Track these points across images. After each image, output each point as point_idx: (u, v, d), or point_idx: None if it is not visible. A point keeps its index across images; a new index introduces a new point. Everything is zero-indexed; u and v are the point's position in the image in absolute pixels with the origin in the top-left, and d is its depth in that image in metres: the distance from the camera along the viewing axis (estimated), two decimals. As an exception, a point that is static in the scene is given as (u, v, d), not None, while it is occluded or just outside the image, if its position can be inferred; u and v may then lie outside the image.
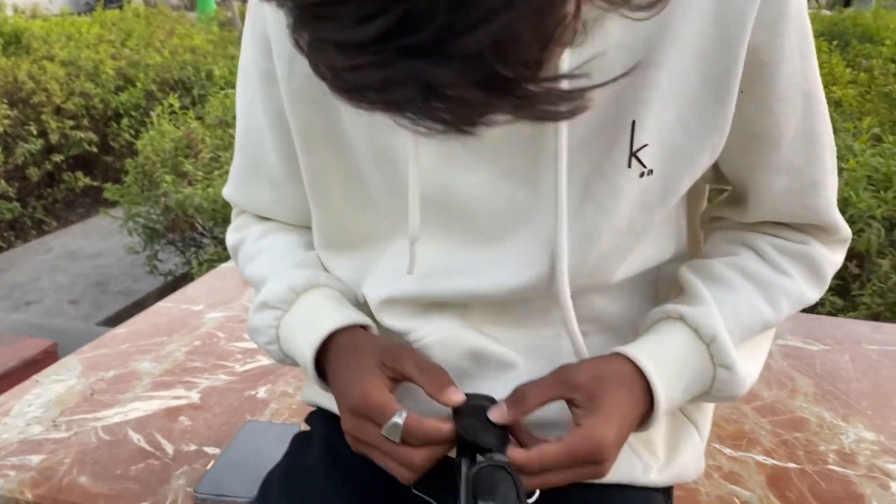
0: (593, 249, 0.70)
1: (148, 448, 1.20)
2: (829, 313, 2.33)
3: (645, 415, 0.71)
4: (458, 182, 0.71)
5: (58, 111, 5.13)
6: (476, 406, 0.68)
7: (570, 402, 0.69)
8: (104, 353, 1.51)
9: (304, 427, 0.97)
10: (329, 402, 0.91)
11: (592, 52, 0.59)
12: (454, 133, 0.41)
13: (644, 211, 0.70)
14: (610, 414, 0.67)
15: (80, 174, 5.20)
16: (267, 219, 0.91)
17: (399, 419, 0.65)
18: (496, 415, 0.67)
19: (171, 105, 3.98)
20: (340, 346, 0.76)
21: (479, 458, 0.64)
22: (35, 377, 1.42)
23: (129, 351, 1.52)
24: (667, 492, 0.88)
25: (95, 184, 5.25)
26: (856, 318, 2.27)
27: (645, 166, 0.67)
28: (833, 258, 0.79)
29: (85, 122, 5.29)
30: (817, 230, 0.78)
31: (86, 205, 5.46)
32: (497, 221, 0.72)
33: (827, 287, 0.80)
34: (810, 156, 0.72)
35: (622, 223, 0.70)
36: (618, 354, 0.72)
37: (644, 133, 0.65)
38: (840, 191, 2.04)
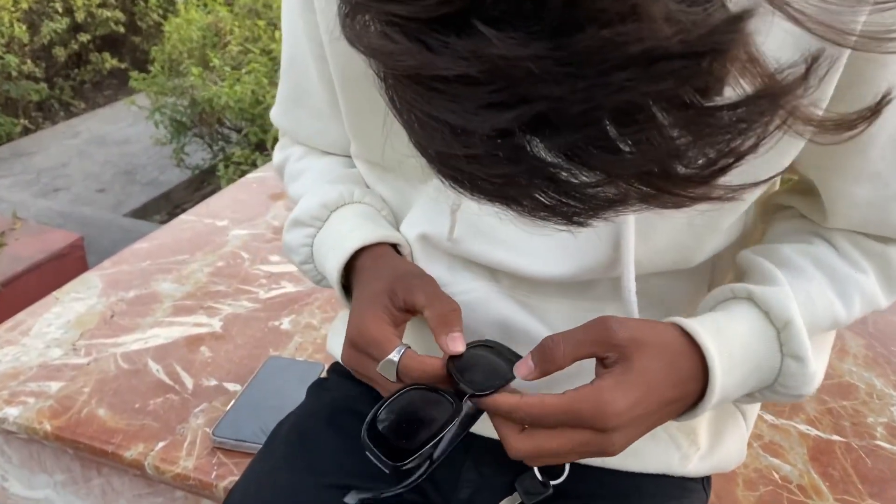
0: (646, 244, 0.64)
1: (167, 381, 1.16)
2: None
3: (688, 400, 0.62)
4: None
5: (84, -13, 4.96)
6: (479, 355, 0.62)
7: (602, 361, 0.59)
8: (125, 271, 1.47)
9: (325, 375, 0.94)
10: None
11: None
12: (569, 224, 0.35)
13: (706, 213, 0.62)
14: (635, 382, 0.57)
15: (107, 55, 5.09)
16: None
17: (395, 356, 0.60)
18: (522, 371, 0.58)
19: (199, -11, 3.81)
20: (363, 267, 0.73)
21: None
22: (55, 294, 1.38)
23: (150, 269, 1.47)
24: (705, 478, 0.83)
25: (123, 65, 5.15)
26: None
27: None
28: None
29: (112, 0, 5.12)
30: None
31: (113, 86, 5.38)
32: None
33: None
34: None
35: (680, 222, 0.63)
36: (674, 325, 0.62)
37: None
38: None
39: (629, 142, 0.30)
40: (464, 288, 0.73)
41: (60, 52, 4.78)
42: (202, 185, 3.77)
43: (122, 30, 5.19)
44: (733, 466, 0.82)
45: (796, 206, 0.72)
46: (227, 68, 3.10)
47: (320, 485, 0.77)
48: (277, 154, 0.91)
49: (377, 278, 0.69)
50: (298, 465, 0.79)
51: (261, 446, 0.85)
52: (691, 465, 0.77)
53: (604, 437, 0.57)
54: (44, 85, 4.65)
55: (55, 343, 1.25)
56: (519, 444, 0.57)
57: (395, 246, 0.75)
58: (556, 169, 0.31)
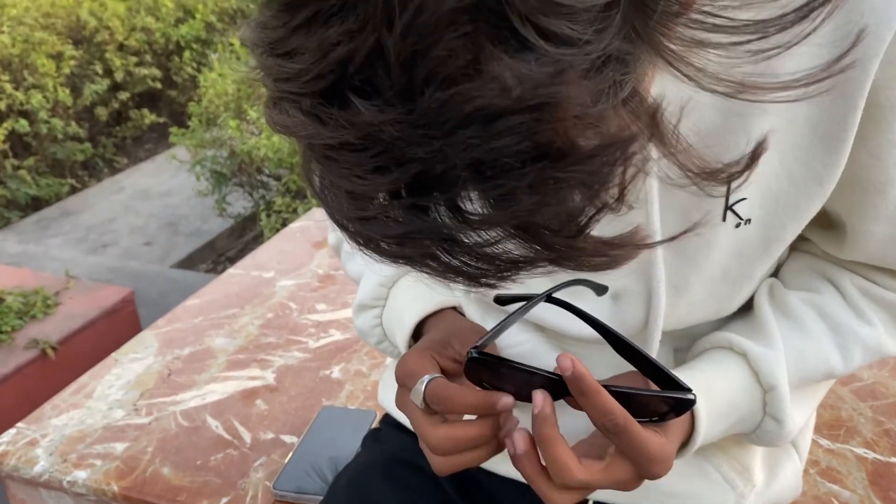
0: (681, 300, 0.65)
1: (226, 436, 1.20)
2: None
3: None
4: None
5: (121, 48, 5.14)
6: None
7: None
8: (179, 328, 1.52)
9: (377, 425, 0.96)
10: (397, 413, 0.89)
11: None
12: (478, 287, 0.36)
13: (741, 260, 0.64)
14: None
15: (146, 111, 5.26)
16: None
17: (421, 384, 0.58)
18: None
19: (231, 44, 3.93)
20: (428, 332, 0.75)
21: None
22: (114, 355, 1.43)
23: (202, 325, 1.52)
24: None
25: (161, 120, 5.31)
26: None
27: (741, 218, 0.60)
28: None
29: (148, 57, 5.31)
30: None
31: (153, 140, 5.54)
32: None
33: None
34: None
35: (716, 273, 0.65)
36: None
37: (742, 187, 0.58)
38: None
39: (489, 199, 0.32)
40: (515, 340, 0.76)
41: (102, 112, 4.96)
42: (244, 232, 3.86)
43: (159, 85, 5.36)
44: (790, 500, 0.83)
45: (818, 243, 0.72)
46: (264, 121, 3.18)
47: None
48: (332, 234, 0.92)
49: (437, 333, 0.71)
50: None
51: (321, 497, 0.88)
52: (748, 502, 0.77)
53: (638, 480, 0.57)
54: (88, 144, 4.81)
55: (117, 404, 1.29)
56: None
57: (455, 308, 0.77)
58: (448, 229, 0.33)
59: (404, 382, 0.63)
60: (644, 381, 0.60)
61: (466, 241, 0.34)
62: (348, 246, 0.88)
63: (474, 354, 0.52)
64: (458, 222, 0.33)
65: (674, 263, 0.64)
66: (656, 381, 0.56)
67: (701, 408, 0.63)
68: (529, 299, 0.59)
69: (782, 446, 0.70)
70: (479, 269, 0.36)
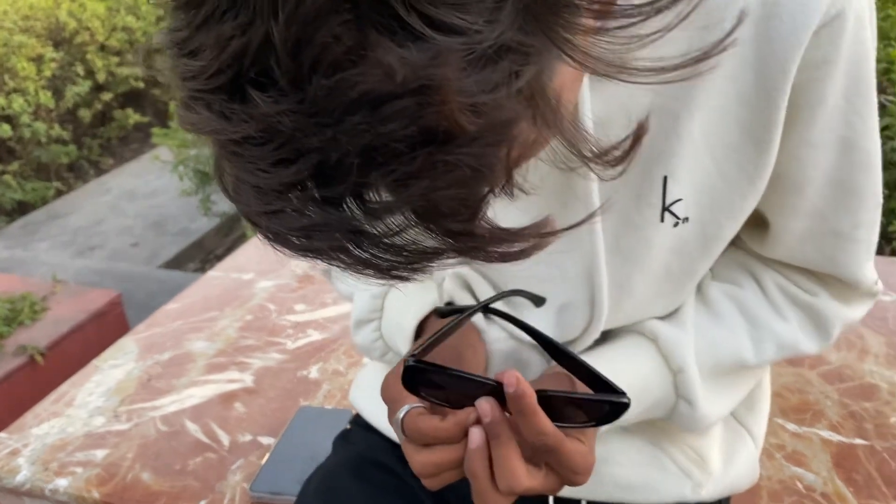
0: (627, 299, 0.68)
1: (205, 440, 1.22)
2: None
3: None
4: None
5: (102, 48, 5.12)
6: None
7: None
8: (159, 333, 1.53)
9: (348, 426, 0.98)
10: (369, 414, 0.91)
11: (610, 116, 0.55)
12: (390, 279, 0.37)
13: (681, 257, 0.66)
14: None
15: (129, 111, 5.24)
16: None
17: (401, 414, 0.59)
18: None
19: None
20: (428, 331, 0.76)
21: None
22: (94, 362, 1.45)
23: (182, 329, 1.54)
24: (723, 500, 0.85)
25: (146, 119, 5.30)
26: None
27: (678, 217, 0.62)
28: (847, 314, 0.72)
29: (129, 57, 5.28)
30: (836, 282, 0.70)
31: (139, 139, 5.53)
32: (534, 277, 0.69)
33: (833, 341, 0.72)
34: (840, 205, 0.65)
35: (658, 271, 0.67)
36: None
37: (678, 187, 0.61)
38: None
39: (384, 186, 0.32)
40: (497, 336, 0.75)
41: (85, 114, 4.94)
42: (231, 230, 3.87)
43: (141, 85, 5.35)
44: (747, 486, 0.85)
45: (745, 238, 0.74)
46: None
47: None
48: None
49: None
50: None
51: (295, 498, 0.90)
52: (705, 491, 0.79)
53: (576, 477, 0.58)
54: (72, 146, 4.81)
55: (98, 411, 1.31)
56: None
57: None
58: (354, 220, 0.34)
59: (389, 406, 0.64)
60: (571, 383, 0.62)
61: (373, 231, 0.35)
62: None
63: (411, 363, 0.52)
64: (362, 212, 0.34)
65: (617, 265, 0.66)
66: (591, 385, 0.58)
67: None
68: (466, 311, 0.61)
69: (705, 430, 0.72)
70: (388, 261, 0.36)
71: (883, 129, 2.26)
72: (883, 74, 2.35)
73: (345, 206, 0.34)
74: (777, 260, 0.72)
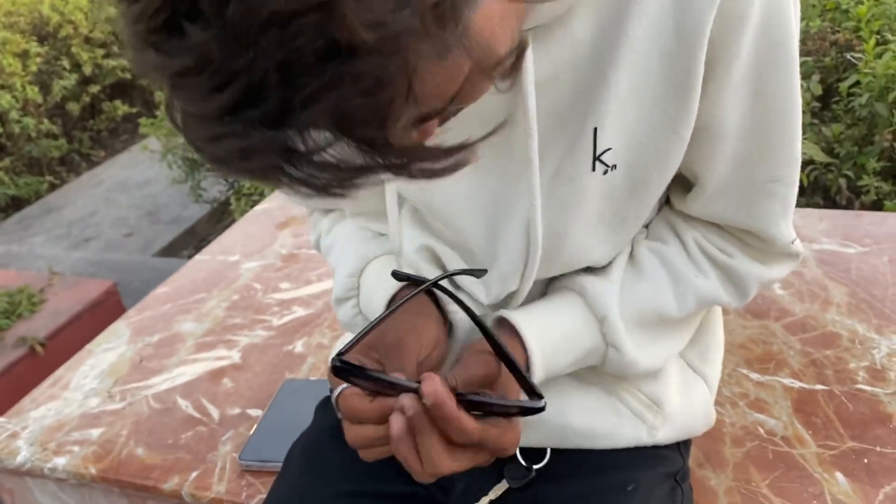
0: (565, 245, 0.71)
1: (196, 415, 1.27)
2: (874, 202, 2.24)
3: None
4: (437, 194, 0.72)
5: (87, 41, 5.13)
6: None
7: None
8: (149, 316, 1.58)
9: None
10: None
11: (545, 75, 0.59)
12: (327, 196, 0.41)
13: (612, 203, 0.70)
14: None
15: (118, 103, 5.25)
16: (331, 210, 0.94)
17: (335, 393, 0.64)
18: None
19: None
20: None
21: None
22: (88, 346, 1.50)
23: (171, 312, 1.58)
24: (681, 443, 0.90)
25: (135, 110, 5.31)
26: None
27: (607, 165, 0.66)
28: (763, 273, 0.76)
29: (115, 48, 5.28)
30: (753, 239, 0.74)
31: (129, 131, 5.54)
32: (478, 229, 0.73)
33: (751, 298, 0.77)
34: (755, 155, 0.68)
35: (591, 217, 0.70)
36: (506, 321, 0.73)
37: (606, 137, 0.65)
38: None
39: (302, 100, 0.36)
40: (454, 308, 0.77)
41: (74, 107, 4.96)
42: (223, 216, 3.90)
43: (128, 76, 5.36)
44: (703, 429, 0.90)
45: (672, 197, 0.78)
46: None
47: (333, 493, 0.86)
48: (312, 234, 0.97)
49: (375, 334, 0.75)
50: (313, 478, 0.89)
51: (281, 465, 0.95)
52: (660, 433, 0.84)
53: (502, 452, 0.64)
54: (63, 140, 4.83)
55: (92, 393, 1.36)
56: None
57: None
58: (278, 138, 0.37)
59: (332, 384, 0.68)
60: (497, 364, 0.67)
61: (303, 149, 0.38)
62: (324, 245, 0.93)
63: (336, 363, 0.57)
64: (290, 129, 0.37)
65: (554, 215, 0.69)
66: (516, 377, 0.64)
67: (533, 345, 0.71)
68: (420, 282, 0.66)
69: (643, 376, 0.77)
70: (322, 179, 0.40)
71: (852, 85, 2.29)
72: (853, 32, 2.37)
73: (274, 125, 0.37)
74: (697, 218, 0.76)
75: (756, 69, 0.63)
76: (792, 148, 0.69)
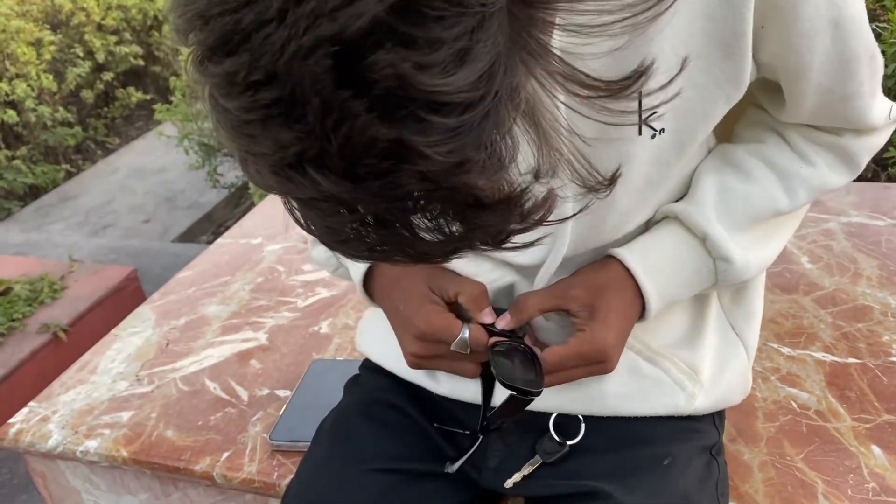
0: (613, 211, 0.73)
1: (224, 396, 1.27)
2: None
3: (640, 310, 0.77)
4: None
5: (99, 28, 5.13)
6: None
7: (569, 312, 0.75)
8: (174, 300, 1.58)
9: (358, 372, 1.03)
10: (377, 356, 0.96)
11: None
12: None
13: (660, 167, 0.71)
14: (606, 317, 0.73)
15: (131, 89, 5.27)
16: None
17: (465, 334, 0.73)
18: (502, 322, 0.75)
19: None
20: (384, 273, 0.83)
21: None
22: (113, 331, 1.50)
23: (196, 295, 1.59)
24: (716, 416, 0.90)
25: (149, 97, 5.32)
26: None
27: (655, 129, 0.67)
28: (872, 141, 0.78)
29: (127, 35, 5.29)
30: (854, 126, 0.77)
31: (143, 118, 5.56)
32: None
33: (861, 171, 0.80)
34: (843, 74, 0.70)
35: (639, 182, 0.72)
36: (611, 258, 0.77)
37: (652, 99, 0.64)
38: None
39: (434, 234, 0.43)
40: (491, 278, 0.81)
41: (88, 94, 4.97)
42: (241, 201, 3.91)
43: (142, 62, 5.36)
44: (739, 398, 0.89)
45: (762, 101, 0.80)
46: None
47: (363, 470, 0.86)
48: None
49: (409, 279, 0.79)
50: (342, 456, 0.89)
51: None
52: (697, 401, 0.83)
53: (605, 364, 0.74)
54: (78, 128, 4.84)
55: (120, 377, 1.37)
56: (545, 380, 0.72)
57: None
58: (409, 241, 0.44)
59: (435, 337, 0.74)
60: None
61: (425, 250, 0.44)
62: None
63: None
64: (411, 235, 0.43)
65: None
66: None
67: (638, 270, 0.74)
68: None
69: (752, 278, 0.78)
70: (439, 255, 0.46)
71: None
72: (877, 2, 2.33)
73: (400, 229, 0.42)
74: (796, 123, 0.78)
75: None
76: (869, 47, 0.69)
